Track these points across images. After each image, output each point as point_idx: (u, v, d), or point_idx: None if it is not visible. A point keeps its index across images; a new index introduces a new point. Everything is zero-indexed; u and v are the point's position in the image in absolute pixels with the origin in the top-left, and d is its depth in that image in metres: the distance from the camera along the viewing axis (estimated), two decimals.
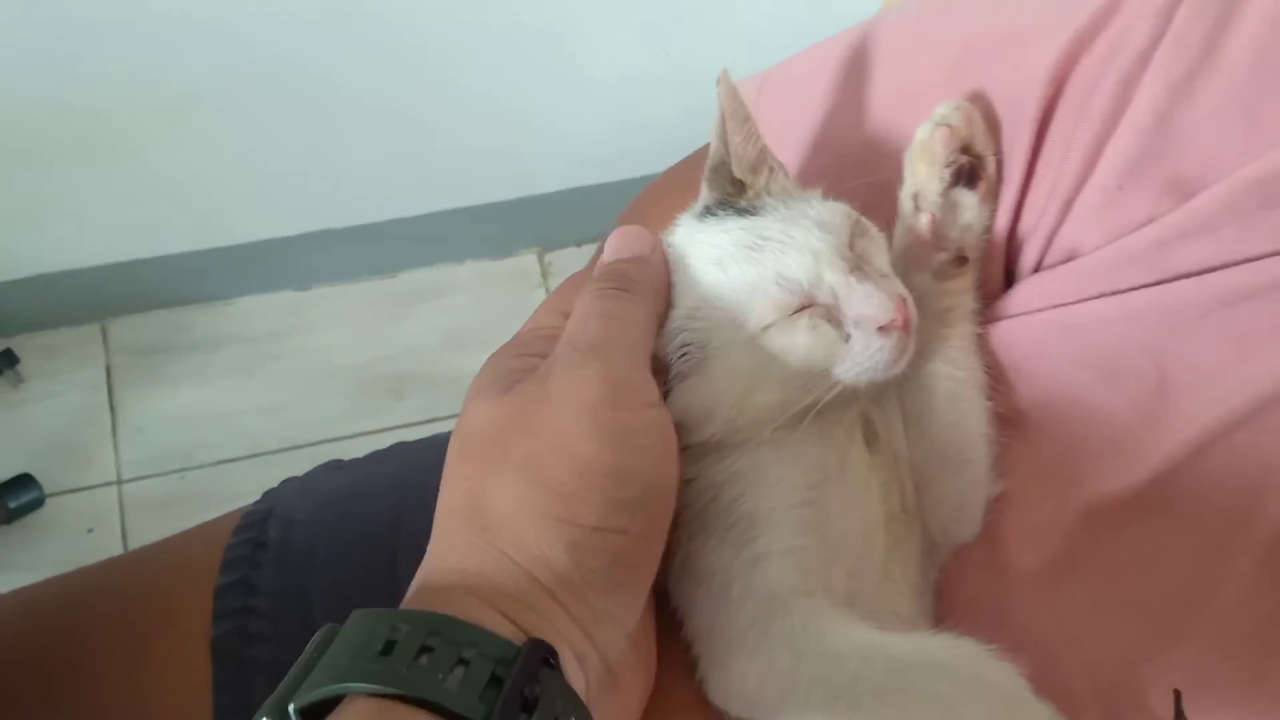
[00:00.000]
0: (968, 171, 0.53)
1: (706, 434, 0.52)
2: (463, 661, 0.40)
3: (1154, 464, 0.48)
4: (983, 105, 0.53)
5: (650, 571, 0.48)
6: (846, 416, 0.53)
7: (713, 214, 0.54)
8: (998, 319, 0.54)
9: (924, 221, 0.53)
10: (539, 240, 1.96)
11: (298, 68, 1.60)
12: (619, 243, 0.53)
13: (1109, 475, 0.49)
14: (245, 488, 0.89)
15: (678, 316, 0.52)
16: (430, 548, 0.47)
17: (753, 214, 0.53)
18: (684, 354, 0.51)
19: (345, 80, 1.64)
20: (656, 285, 0.52)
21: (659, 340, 0.52)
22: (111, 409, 1.80)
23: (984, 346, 0.54)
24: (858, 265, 0.51)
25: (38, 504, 1.69)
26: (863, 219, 0.54)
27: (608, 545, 0.45)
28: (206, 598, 0.78)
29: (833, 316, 0.50)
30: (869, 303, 0.50)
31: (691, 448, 0.53)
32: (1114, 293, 0.49)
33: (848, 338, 0.50)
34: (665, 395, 0.51)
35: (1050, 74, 0.50)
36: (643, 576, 0.47)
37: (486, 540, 0.45)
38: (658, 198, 0.66)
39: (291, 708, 0.39)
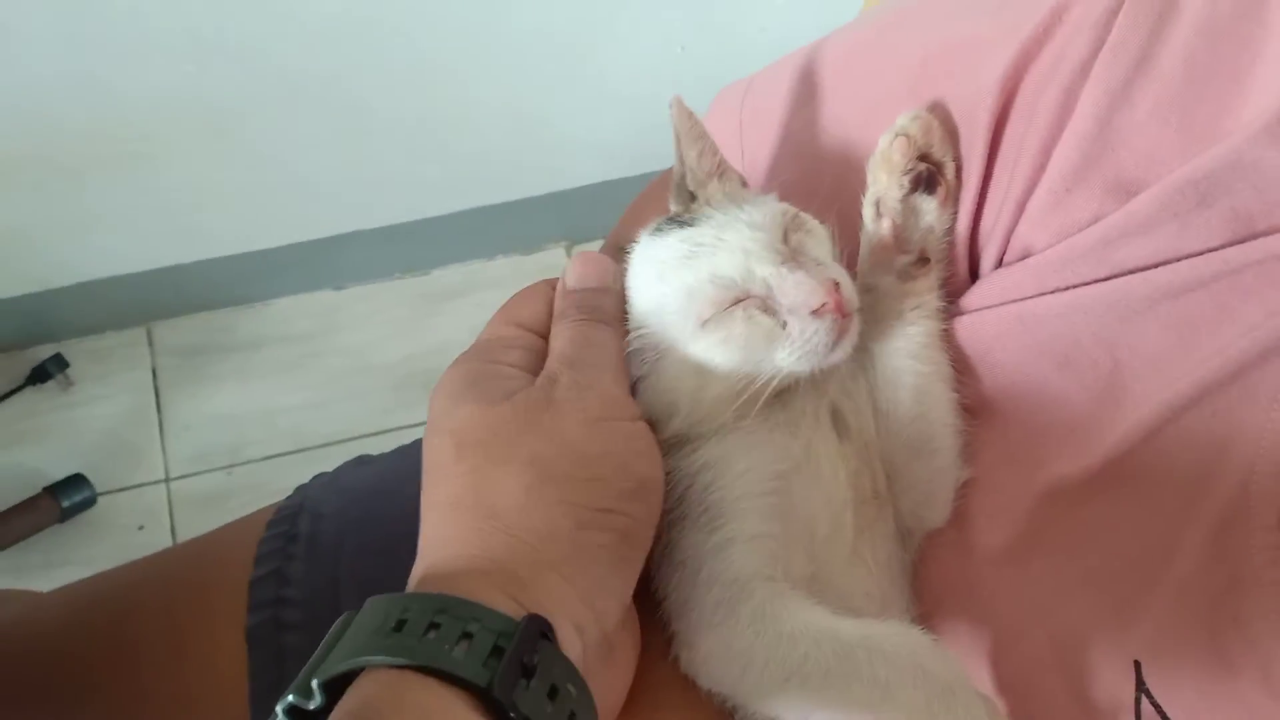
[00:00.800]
0: (926, 178, 0.55)
1: (673, 428, 0.56)
2: (467, 635, 0.43)
3: (1109, 446, 0.50)
4: (941, 113, 0.55)
5: (645, 553, 0.52)
6: (812, 407, 0.56)
7: (660, 231, 0.57)
8: (961, 313, 0.56)
9: (885, 226, 0.56)
10: (566, 234, 1.98)
11: (327, 79, 1.63)
12: (581, 270, 0.57)
13: (1067, 457, 0.51)
14: (289, 482, 0.92)
15: (632, 328, 0.56)
16: (426, 540, 0.50)
17: (692, 225, 0.56)
18: (641, 360, 0.55)
19: (374, 88, 1.67)
20: (621, 313, 0.57)
21: None
22: (158, 409, 1.84)
23: (949, 339, 0.56)
24: (791, 257, 0.54)
25: (90, 503, 1.73)
26: (801, 215, 0.57)
27: (615, 524, 0.49)
28: (242, 589, 0.81)
29: (768, 307, 0.53)
30: (800, 289, 0.53)
31: (668, 442, 0.56)
32: (1066, 288, 0.51)
33: (784, 325, 0.53)
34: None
35: (1000, 84, 0.52)
36: (641, 555, 0.51)
37: (492, 525, 0.48)
38: (659, 194, 0.69)
39: (315, 682, 0.43)
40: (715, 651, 0.52)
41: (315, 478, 0.94)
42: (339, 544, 0.83)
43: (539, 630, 0.45)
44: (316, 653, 0.44)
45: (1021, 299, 0.53)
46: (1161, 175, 0.48)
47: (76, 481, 1.72)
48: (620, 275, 0.57)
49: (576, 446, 0.50)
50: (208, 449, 1.82)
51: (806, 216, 0.57)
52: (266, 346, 1.91)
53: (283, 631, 0.79)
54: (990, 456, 0.55)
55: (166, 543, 1.73)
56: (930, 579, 0.57)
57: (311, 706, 0.43)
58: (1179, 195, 0.47)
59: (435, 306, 1.95)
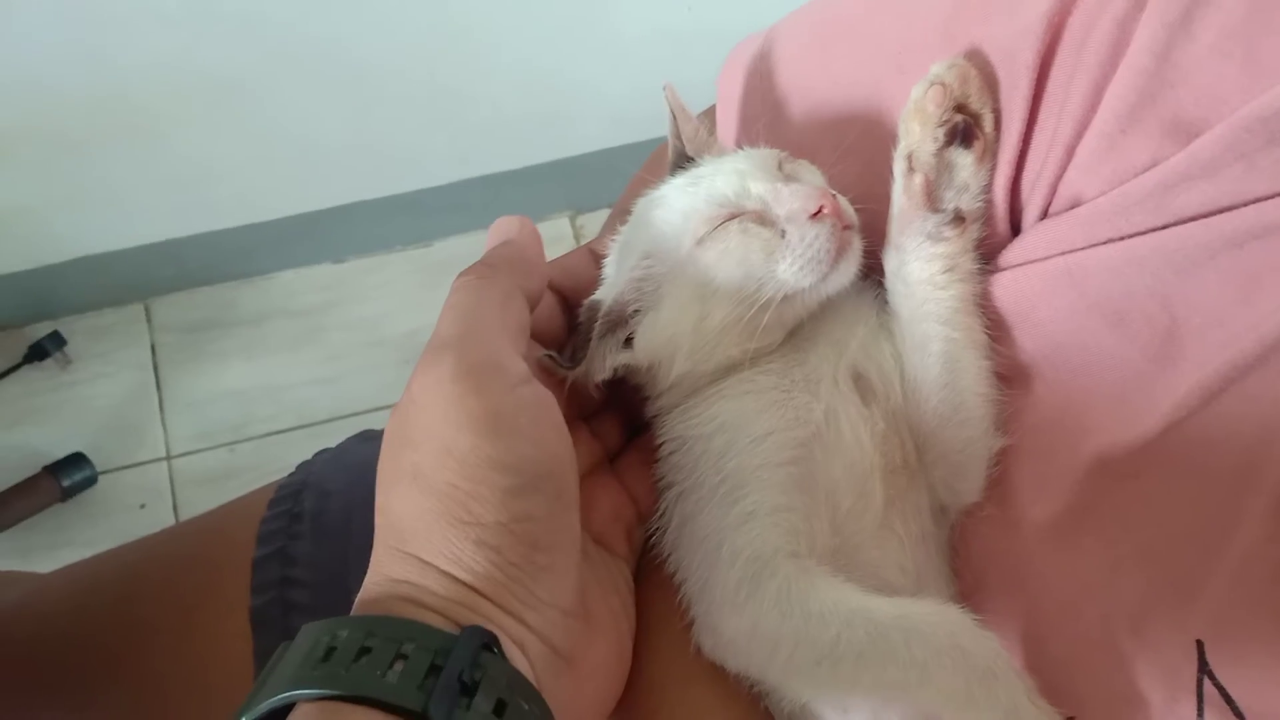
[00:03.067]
0: (963, 131, 0.52)
1: (679, 368, 0.54)
2: (401, 656, 0.41)
3: (1166, 410, 0.47)
4: (979, 61, 0.51)
5: (569, 549, 0.48)
6: (830, 368, 0.54)
7: (666, 181, 0.58)
8: (1003, 268, 0.53)
9: (918, 183, 0.53)
10: (571, 204, 1.96)
11: (327, 45, 1.61)
12: (491, 234, 0.54)
13: (1120, 424, 0.48)
14: (294, 458, 0.91)
15: (634, 262, 0.55)
16: (369, 567, 0.47)
17: (696, 166, 0.57)
18: (639, 291, 0.54)
19: (375, 54, 1.65)
20: (518, 261, 0.52)
21: (618, 287, 0.55)
22: (158, 386, 1.83)
23: (988, 298, 0.53)
24: (787, 178, 0.54)
25: (91, 482, 1.72)
26: (794, 157, 0.56)
27: (516, 536, 0.45)
28: (247, 570, 0.80)
29: (765, 219, 0.53)
30: (795, 196, 0.52)
31: (672, 397, 0.55)
32: (1119, 238, 0.48)
33: (783, 234, 0.52)
34: (628, 341, 0.54)
35: (1045, 21, 0.49)
36: (562, 557, 0.47)
37: (406, 550, 0.45)
38: (663, 163, 0.67)
39: None
40: (741, 634, 0.50)
41: (318, 454, 0.92)
42: (347, 522, 0.82)
43: (480, 643, 0.42)
44: (253, 688, 0.42)
45: (1070, 251, 0.50)
46: (1224, 114, 0.45)
47: (77, 460, 1.72)
48: (527, 227, 0.54)
49: (445, 447, 0.45)
50: (210, 426, 1.81)
51: (799, 159, 0.57)
52: (269, 321, 1.89)
53: (290, 613, 0.78)
54: (1034, 424, 0.52)
55: (169, 521, 1.73)
56: (971, 555, 0.54)
57: None
58: (1246, 134, 0.44)
59: (440, 278, 1.90)
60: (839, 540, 0.53)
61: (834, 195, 0.52)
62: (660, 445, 0.56)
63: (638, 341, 0.54)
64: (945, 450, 0.54)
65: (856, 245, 0.53)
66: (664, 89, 0.60)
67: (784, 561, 0.50)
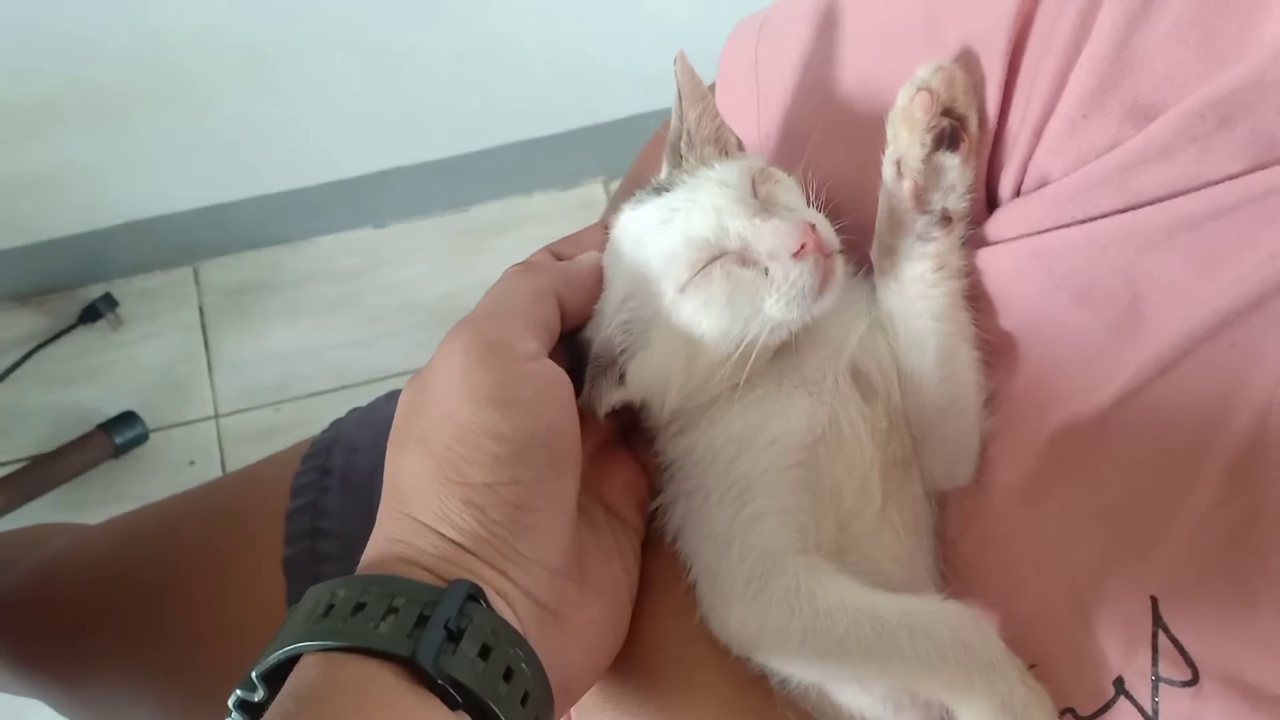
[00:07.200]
0: (950, 134, 0.52)
1: (670, 405, 0.55)
2: (393, 610, 0.44)
3: (1126, 379, 0.49)
4: (964, 62, 0.53)
5: (556, 512, 0.50)
6: (830, 368, 0.55)
7: (639, 201, 0.57)
8: (977, 247, 0.55)
9: (906, 187, 0.53)
10: (605, 168, 1.97)
11: (364, 12, 1.62)
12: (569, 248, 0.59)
13: (1084, 392, 0.50)
14: (335, 419, 0.94)
15: (615, 302, 0.55)
16: (373, 531, 0.51)
17: (667, 191, 0.56)
18: (627, 333, 0.55)
19: (411, 22, 1.65)
20: (565, 271, 0.56)
21: (604, 330, 0.56)
22: (206, 347, 1.87)
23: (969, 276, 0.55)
24: (763, 208, 0.54)
25: (142, 439, 1.76)
26: (770, 168, 0.56)
27: (502, 497, 0.48)
28: (280, 521, 0.84)
29: (747, 260, 0.53)
30: (777, 234, 0.52)
31: (672, 421, 0.56)
32: (1084, 220, 0.50)
33: (766, 272, 0.52)
34: (621, 378, 0.55)
35: (1016, 9, 0.50)
36: (548, 517, 0.50)
37: (402, 510, 0.49)
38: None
39: (254, 674, 0.45)
40: (748, 626, 0.52)
41: (350, 412, 0.95)
42: (372, 477, 0.84)
43: (466, 594, 0.45)
44: (266, 648, 0.46)
45: (1037, 232, 0.52)
46: (1181, 98, 0.46)
47: (129, 418, 1.75)
48: (596, 264, 0.57)
49: (448, 414, 0.49)
50: (256, 386, 1.84)
51: (774, 170, 0.56)
52: (311, 285, 1.92)
53: (320, 562, 0.82)
54: (1007, 395, 0.54)
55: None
56: (953, 520, 0.57)
57: (256, 699, 0.45)
58: (1198, 118, 0.45)
59: (476, 243, 1.95)
60: (843, 537, 0.54)
61: (812, 226, 0.52)
62: (662, 452, 0.57)
63: (629, 379, 0.55)
64: (943, 441, 0.56)
65: (839, 270, 0.54)
66: (674, 62, 0.59)
67: (793, 559, 0.52)
